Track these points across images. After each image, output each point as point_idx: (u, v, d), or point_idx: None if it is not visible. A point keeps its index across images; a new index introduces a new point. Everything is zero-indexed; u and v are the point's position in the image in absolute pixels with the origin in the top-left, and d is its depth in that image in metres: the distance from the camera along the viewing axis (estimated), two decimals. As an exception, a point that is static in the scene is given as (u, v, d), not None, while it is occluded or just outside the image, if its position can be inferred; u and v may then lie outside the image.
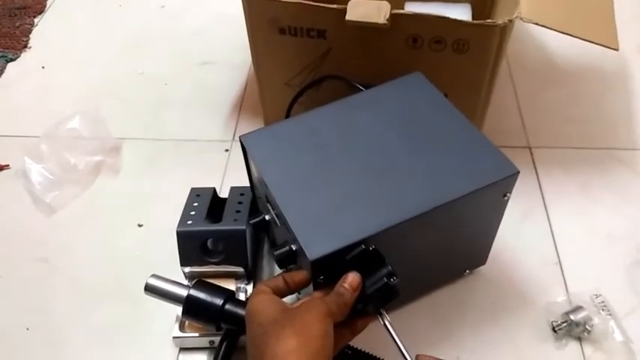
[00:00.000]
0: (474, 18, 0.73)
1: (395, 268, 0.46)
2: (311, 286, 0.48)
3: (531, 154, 0.77)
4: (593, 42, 0.58)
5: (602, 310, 0.59)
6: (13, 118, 0.85)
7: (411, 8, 0.70)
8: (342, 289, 0.45)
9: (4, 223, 0.71)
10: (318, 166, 0.52)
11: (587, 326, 0.57)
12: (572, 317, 0.57)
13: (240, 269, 0.59)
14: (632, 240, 0.66)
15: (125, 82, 0.90)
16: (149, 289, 0.55)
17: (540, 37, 0.94)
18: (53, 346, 0.60)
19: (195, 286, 0.54)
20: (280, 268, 0.52)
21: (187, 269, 0.60)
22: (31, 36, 1.01)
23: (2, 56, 0.96)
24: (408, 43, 0.62)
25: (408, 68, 0.60)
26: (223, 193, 0.65)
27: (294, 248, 0.49)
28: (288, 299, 0.48)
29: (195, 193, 0.63)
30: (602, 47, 0.59)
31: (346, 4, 0.59)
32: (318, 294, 0.47)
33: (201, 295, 0.53)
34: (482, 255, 0.61)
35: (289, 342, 0.40)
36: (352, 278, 0.45)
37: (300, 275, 0.49)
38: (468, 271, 0.62)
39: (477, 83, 0.65)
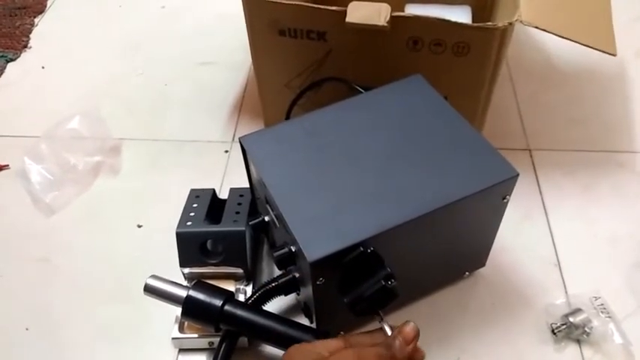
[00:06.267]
0: (474, 20, 0.73)
1: (394, 269, 0.46)
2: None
3: (531, 156, 0.77)
4: (591, 47, 0.59)
5: (602, 312, 0.59)
6: (12, 118, 0.85)
7: (411, 10, 0.70)
8: (395, 341, 0.41)
9: (4, 223, 0.71)
10: (318, 167, 0.52)
11: (586, 328, 0.57)
12: (571, 319, 0.57)
13: (240, 270, 0.59)
14: (632, 242, 0.67)
15: (125, 83, 0.90)
16: (148, 290, 0.55)
17: (540, 39, 0.94)
18: (52, 346, 0.60)
19: (195, 287, 0.54)
20: (279, 269, 0.52)
21: (186, 270, 0.60)
22: (31, 36, 1.01)
23: (2, 56, 0.96)
24: (409, 46, 0.62)
25: (408, 70, 0.60)
26: (223, 194, 0.65)
27: (293, 249, 0.49)
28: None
29: (195, 194, 0.63)
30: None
31: (346, 6, 0.59)
32: (364, 338, 0.44)
33: (201, 296, 0.53)
34: (481, 257, 0.61)
35: None
36: (409, 331, 0.42)
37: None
38: (467, 272, 0.62)
39: (477, 86, 0.65)
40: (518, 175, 0.51)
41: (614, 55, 0.60)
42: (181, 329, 0.57)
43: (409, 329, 0.42)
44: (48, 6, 1.07)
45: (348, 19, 0.59)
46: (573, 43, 0.58)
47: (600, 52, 0.60)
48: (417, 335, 0.42)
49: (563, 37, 0.57)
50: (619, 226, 0.68)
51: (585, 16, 0.63)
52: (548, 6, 0.60)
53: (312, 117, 0.57)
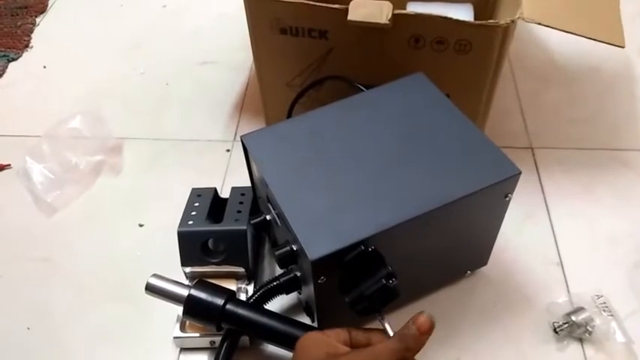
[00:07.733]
0: (476, 18, 0.72)
1: (396, 268, 0.46)
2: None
3: (533, 154, 0.77)
4: (598, 40, 0.58)
5: (604, 311, 0.58)
6: (14, 118, 0.85)
7: (413, 8, 0.70)
8: (409, 332, 0.39)
9: (5, 223, 0.71)
10: (319, 166, 0.52)
11: (588, 327, 0.57)
12: (573, 318, 0.57)
13: (241, 269, 0.59)
14: (634, 241, 0.66)
15: (126, 82, 0.90)
16: (150, 289, 0.55)
17: (543, 37, 0.94)
18: (54, 345, 0.60)
19: (196, 286, 0.54)
20: (281, 268, 0.52)
21: (188, 269, 0.59)
22: (32, 35, 1.01)
23: (4, 56, 0.96)
24: (410, 44, 0.62)
25: (409, 68, 0.60)
26: (224, 193, 0.65)
27: (294, 248, 0.49)
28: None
29: (196, 194, 0.63)
30: (606, 46, 0.58)
31: (348, 4, 0.59)
32: (377, 337, 0.43)
33: (202, 295, 0.53)
34: (483, 256, 0.61)
35: None
36: (423, 321, 0.39)
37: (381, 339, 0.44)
38: (469, 271, 0.62)
39: (479, 84, 0.65)
40: (520, 173, 0.51)
41: (622, 46, 0.58)
42: (183, 328, 0.57)
43: (423, 319, 0.40)
44: (49, 5, 1.07)
45: (349, 17, 0.59)
46: (577, 40, 0.58)
47: (603, 49, 0.59)
48: (432, 326, 0.39)
49: (567, 32, 0.57)
50: (622, 224, 0.68)
51: (591, 9, 0.62)
52: (551, 2, 0.60)
53: (314, 115, 0.57)
